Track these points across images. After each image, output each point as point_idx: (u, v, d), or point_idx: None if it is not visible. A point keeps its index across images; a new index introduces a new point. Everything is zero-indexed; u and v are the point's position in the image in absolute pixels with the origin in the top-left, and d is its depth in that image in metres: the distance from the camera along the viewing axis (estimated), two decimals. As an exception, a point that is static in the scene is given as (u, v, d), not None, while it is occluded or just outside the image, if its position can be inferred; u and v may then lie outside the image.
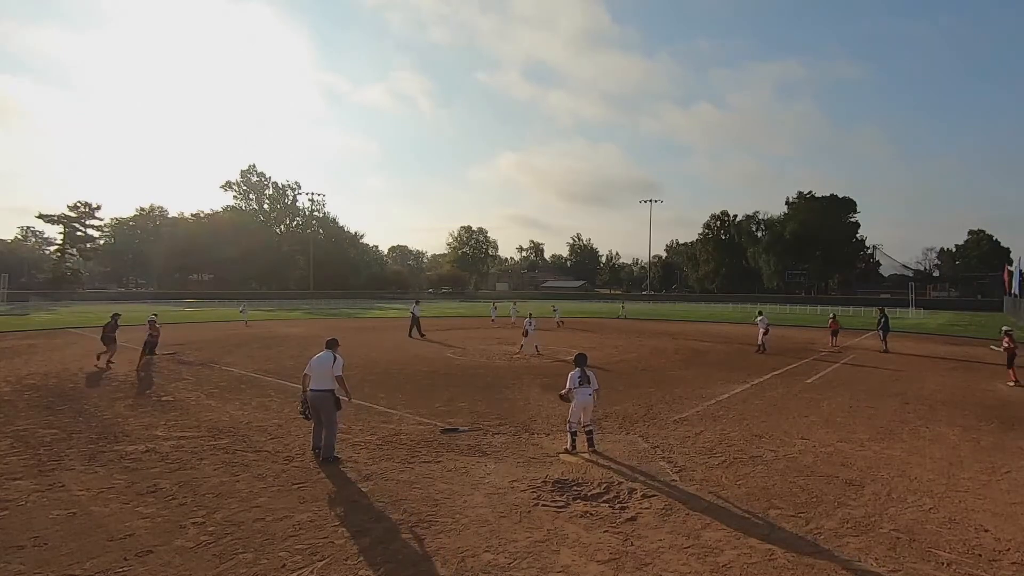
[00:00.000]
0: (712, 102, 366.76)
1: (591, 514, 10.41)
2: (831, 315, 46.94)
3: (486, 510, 10.54)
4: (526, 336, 34.12)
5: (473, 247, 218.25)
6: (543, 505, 10.82)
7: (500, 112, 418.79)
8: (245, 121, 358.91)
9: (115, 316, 28.51)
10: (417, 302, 47.50)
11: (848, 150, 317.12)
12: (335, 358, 13.42)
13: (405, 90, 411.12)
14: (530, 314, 40.88)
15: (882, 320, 37.65)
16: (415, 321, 44.41)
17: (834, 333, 40.80)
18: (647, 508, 10.73)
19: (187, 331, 30.50)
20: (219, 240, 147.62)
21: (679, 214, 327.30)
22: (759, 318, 35.51)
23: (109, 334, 27.51)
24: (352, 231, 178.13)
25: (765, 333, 35.87)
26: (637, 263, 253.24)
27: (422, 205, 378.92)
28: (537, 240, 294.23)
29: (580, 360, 14.64)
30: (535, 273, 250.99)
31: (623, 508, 10.72)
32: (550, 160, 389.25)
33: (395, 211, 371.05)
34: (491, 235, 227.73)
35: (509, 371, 26.84)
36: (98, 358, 27.03)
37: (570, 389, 14.27)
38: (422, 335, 42.76)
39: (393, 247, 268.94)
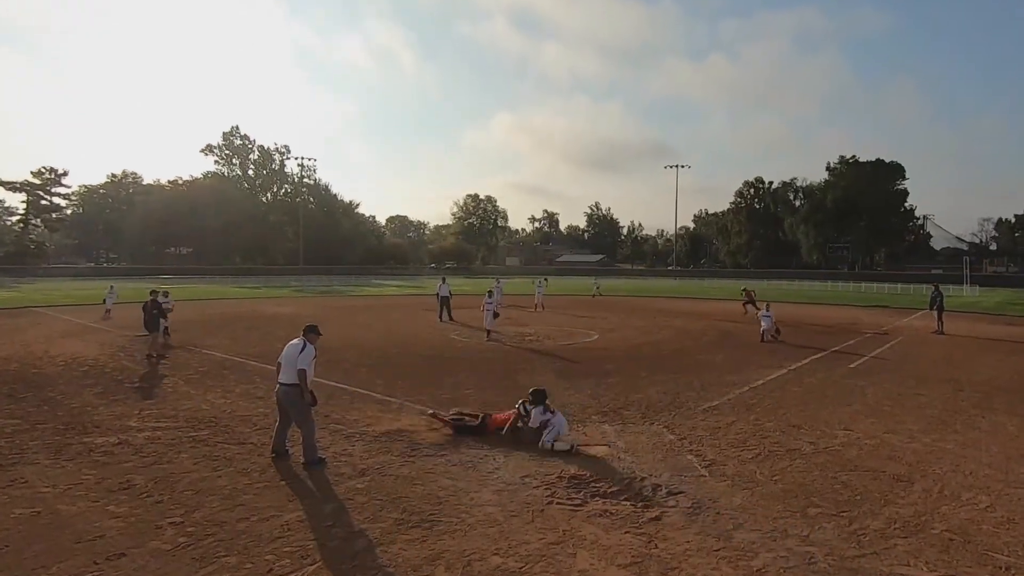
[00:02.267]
0: (725, 55, 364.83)
1: (611, 513, 10.38)
2: (743, 288, 51.25)
3: (495, 509, 10.52)
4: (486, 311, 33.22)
5: (480, 217, 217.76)
6: (558, 503, 10.79)
7: (490, 68, 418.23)
8: (223, 80, 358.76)
9: (155, 294, 28.17)
10: (445, 280, 46.04)
11: (881, 109, 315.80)
12: (304, 346, 12.81)
13: (384, 44, 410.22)
14: (495, 283, 41.38)
15: (937, 298, 37.46)
16: (444, 302, 42.77)
17: (750, 303, 45.92)
18: (673, 506, 10.69)
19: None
20: (199, 210, 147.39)
21: (700, 181, 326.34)
22: (764, 313, 33.97)
23: (151, 317, 26.78)
24: (346, 200, 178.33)
25: (774, 331, 33.36)
26: (662, 235, 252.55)
27: (414, 174, 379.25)
28: (551, 209, 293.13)
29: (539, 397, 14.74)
30: (549, 246, 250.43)
31: (646, 506, 10.68)
32: (549, 120, 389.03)
33: (387, 181, 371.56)
34: (500, 204, 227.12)
35: (520, 355, 26.87)
36: (148, 354, 25.63)
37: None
38: (452, 318, 41.90)
39: (392, 217, 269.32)
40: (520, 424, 14.57)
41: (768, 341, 31.31)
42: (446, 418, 15.37)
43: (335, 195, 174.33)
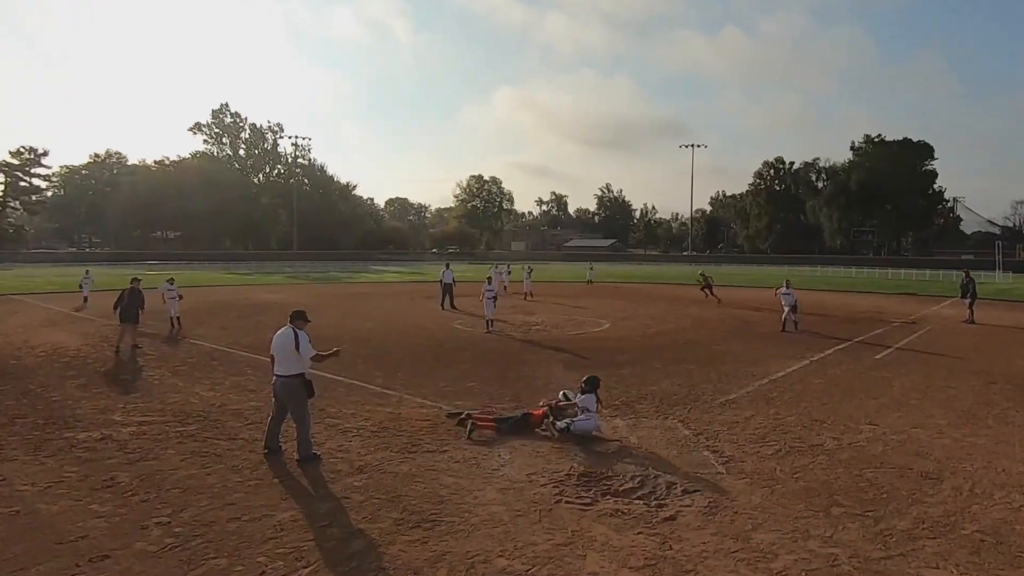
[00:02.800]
0: (740, 28, 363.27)
1: (623, 512, 10.38)
2: (700, 272, 53.81)
3: (500, 508, 10.52)
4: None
5: (485, 200, 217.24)
6: (567, 502, 10.79)
7: (489, 39, 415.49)
8: (211, 55, 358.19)
9: (136, 282, 27.15)
10: (448, 266, 45.63)
11: (906, 85, 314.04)
12: (296, 336, 12.77)
13: (376, 15, 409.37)
14: (494, 269, 41.51)
15: (968, 286, 37.35)
16: (447, 290, 42.74)
17: (707, 288, 49.25)
18: (688, 506, 10.68)
19: (149, 298, 30.42)
20: (187, 191, 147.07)
21: (716, 161, 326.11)
22: (784, 291, 33.28)
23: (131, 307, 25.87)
24: (343, 181, 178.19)
25: (792, 309, 32.98)
26: (677, 218, 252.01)
27: (413, 154, 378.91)
28: (559, 192, 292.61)
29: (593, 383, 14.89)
30: (557, 230, 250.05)
31: (660, 505, 10.67)
32: (554, 96, 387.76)
33: (386, 161, 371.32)
34: (505, 186, 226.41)
35: (527, 345, 26.90)
36: (133, 345, 25.55)
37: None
38: (454, 306, 41.82)
39: (391, 200, 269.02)
40: (554, 414, 14.65)
41: (788, 331, 31.14)
42: (485, 417, 15.22)
43: (331, 176, 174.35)
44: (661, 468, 12.40)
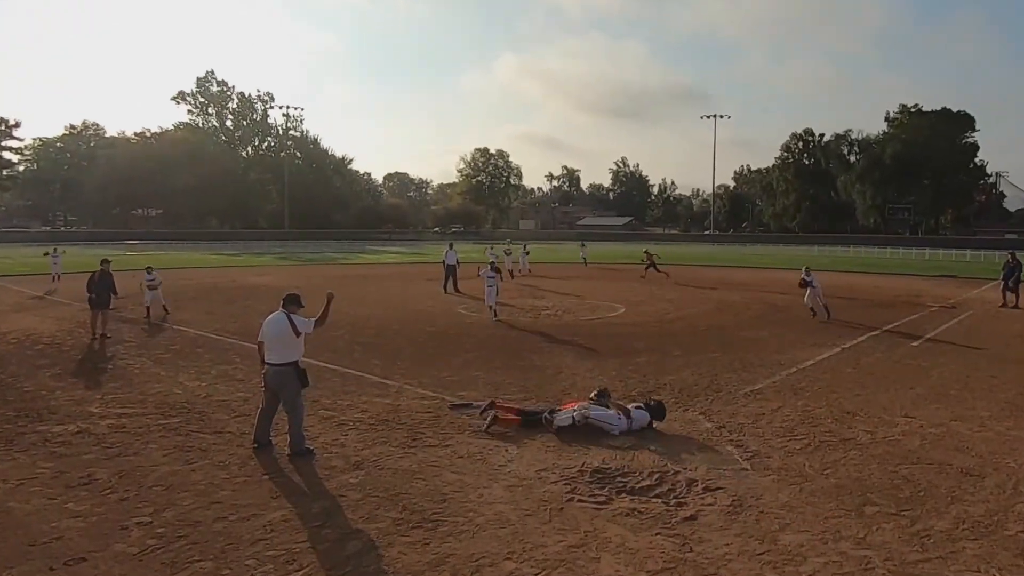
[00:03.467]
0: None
1: (640, 512, 10.36)
2: (644, 251, 55.83)
3: (507, 507, 10.51)
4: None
5: (491, 174, 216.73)
6: (579, 500, 10.78)
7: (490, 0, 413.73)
8: (195, 18, 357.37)
9: (106, 264, 26.68)
10: (452, 246, 45.31)
11: (945, 49, 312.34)
12: (290, 320, 12.88)
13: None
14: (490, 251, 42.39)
15: (1015, 269, 37.10)
16: (451, 272, 42.69)
17: (651, 266, 51.20)
18: (710, 504, 10.66)
19: (130, 281, 30.54)
20: (170, 166, 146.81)
21: (739, 133, 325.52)
22: (806, 278, 31.69)
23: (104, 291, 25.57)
24: (338, 155, 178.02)
25: (815, 292, 31.62)
26: (698, 195, 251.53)
27: (413, 125, 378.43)
28: (571, 166, 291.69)
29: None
30: (569, 207, 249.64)
31: (680, 504, 10.66)
32: (562, 62, 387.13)
33: (383, 133, 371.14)
34: (512, 160, 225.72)
35: (537, 331, 26.91)
36: (102, 334, 25.12)
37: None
38: (458, 289, 41.76)
39: (390, 175, 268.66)
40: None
41: (821, 319, 30.76)
42: (510, 407, 15.14)
43: (325, 150, 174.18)
44: (681, 464, 12.38)
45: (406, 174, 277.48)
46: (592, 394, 15.08)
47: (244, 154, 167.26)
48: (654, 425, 14.42)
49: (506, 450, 13.12)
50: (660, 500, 10.81)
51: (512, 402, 15.76)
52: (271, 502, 10.62)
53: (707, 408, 16.16)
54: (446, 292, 41.06)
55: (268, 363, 12.90)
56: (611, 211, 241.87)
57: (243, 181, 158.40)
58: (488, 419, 14.45)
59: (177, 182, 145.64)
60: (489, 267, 32.85)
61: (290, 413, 12.85)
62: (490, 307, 31.41)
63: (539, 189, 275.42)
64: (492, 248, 61.63)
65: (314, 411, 15.16)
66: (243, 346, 22.62)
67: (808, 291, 31.55)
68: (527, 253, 56.54)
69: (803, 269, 32.48)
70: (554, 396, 16.90)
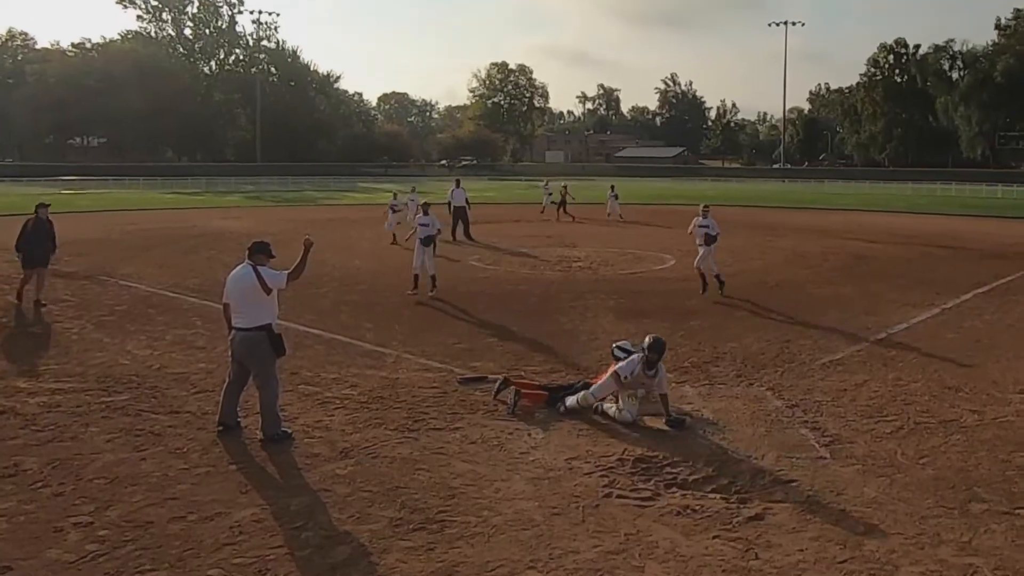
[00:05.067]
0: None
1: (693, 510, 10.25)
2: (563, 184, 57.14)
3: (530, 504, 10.43)
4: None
5: (510, 95, 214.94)
6: (619, 496, 10.66)
7: None
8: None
9: (44, 208, 24.35)
10: (459, 184, 45.00)
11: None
12: (257, 274, 12.66)
13: None
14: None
15: None
16: (459, 214, 42.22)
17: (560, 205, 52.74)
18: (780, 501, 10.55)
19: (68, 226, 30.34)
20: (116, 85, 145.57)
21: (814, 44, 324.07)
22: (701, 221, 27.33)
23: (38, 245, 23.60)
24: (322, 72, 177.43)
25: (708, 251, 27.15)
26: (765, 120, 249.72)
27: (412, 34, 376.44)
28: (609, 84, 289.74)
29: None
30: (606, 136, 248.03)
31: (743, 501, 10.55)
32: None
33: (377, 45, 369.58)
34: (536, 77, 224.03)
35: (565, 288, 26.91)
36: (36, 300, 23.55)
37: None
38: (470, 237, 41.56)
39: (385, 96, 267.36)
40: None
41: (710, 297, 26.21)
42: (531, 384, 15.06)
43: (306, 65, 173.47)
44: (744, 451, 12.31)
45: (405, 95, 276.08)
46: (612, 350, 14.85)
47: (207, 70, 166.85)
48: (659, 366, 13.70)
49: (529, 434, 13.02)
50: (718, 495, 10.68)
51: (533, 378, 15.68)
52: (239, 498, 10.53)
53: (776, 383, 16.06)
54: (455, 240, 40.80)
55: (235, 327, 12.82)
56: (658, 140, 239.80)
57: (206, 103, 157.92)
58: (511, 399, 14.17)
59: (124, 105, 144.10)
60: (421, 209, 28.71)
61: (262, 389, 12.76)
62: (416, 275, 26.00)
63: (569, 114, 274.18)
64: (547, 184, 61.53)
65: (292, 386, 15.12)
66: (205, 307, 22.60)
67: (701, 248, 27.09)
68: (616, 196, 56.65)
69: (700, 208, 28.12)
70: (586, 367, 16.83)
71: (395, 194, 46.38)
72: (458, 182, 45.80)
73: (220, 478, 11.19)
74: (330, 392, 15.20)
